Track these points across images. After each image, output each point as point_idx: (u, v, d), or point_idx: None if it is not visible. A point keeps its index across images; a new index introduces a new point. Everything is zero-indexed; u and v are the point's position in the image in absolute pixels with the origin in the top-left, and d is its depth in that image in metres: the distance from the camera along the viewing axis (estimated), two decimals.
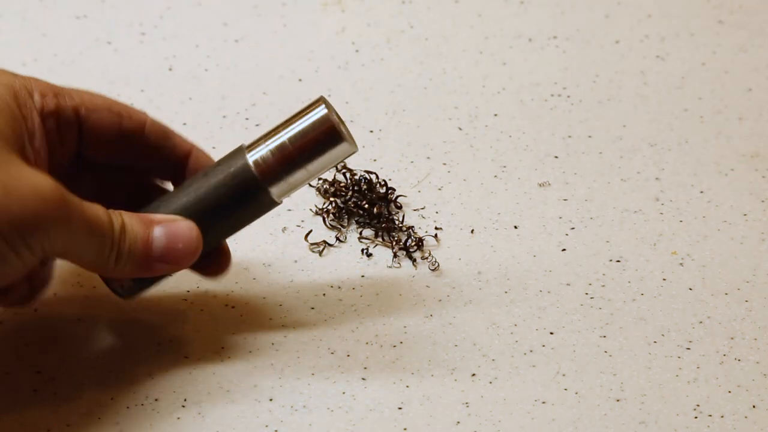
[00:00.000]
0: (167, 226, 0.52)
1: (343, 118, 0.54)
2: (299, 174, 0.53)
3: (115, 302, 0.58)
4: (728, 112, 0.72)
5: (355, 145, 0.53)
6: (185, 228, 0.52)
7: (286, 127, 0.53)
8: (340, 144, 0.52)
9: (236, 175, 0.53)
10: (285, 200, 0.64)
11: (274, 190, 0.53)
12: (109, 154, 0.54)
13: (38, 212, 0.46)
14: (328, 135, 0.52)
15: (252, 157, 0.53)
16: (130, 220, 0.51)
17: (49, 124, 0.51)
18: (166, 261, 0.52)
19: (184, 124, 0.70)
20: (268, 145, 0.53)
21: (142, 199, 0.55)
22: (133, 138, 0.54)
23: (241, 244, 0.62)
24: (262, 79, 0.74)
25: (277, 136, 0.53)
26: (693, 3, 0.81)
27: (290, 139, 0.52)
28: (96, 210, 0.49)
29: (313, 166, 0.53)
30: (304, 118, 0.53)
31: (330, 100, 0.72)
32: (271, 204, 0.54)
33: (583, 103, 0.73)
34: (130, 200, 0.55)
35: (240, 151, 0.53)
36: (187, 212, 0.53)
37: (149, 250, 0.51)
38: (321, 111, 0.52)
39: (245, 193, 0.53)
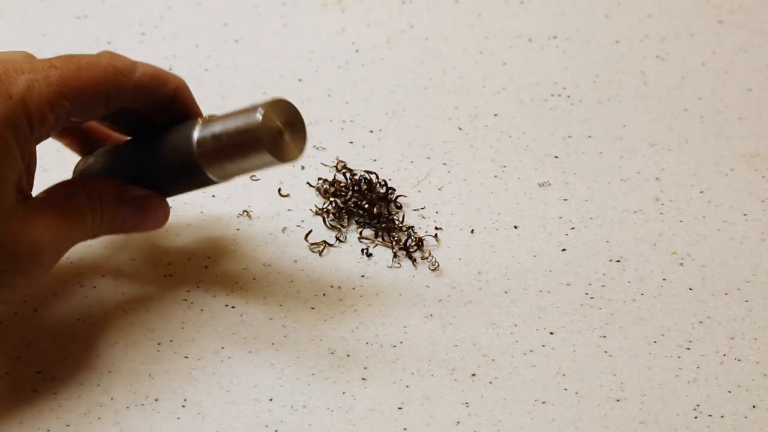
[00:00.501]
0: (140, 207, 0.56)
1: (301, 121, 0.54)
2: (232, 166, 0.55)
3: (115, 302, 0.58)
4: (728, 112, 0.72)
5: (290, 156, 0.54)
6: (156, 207, 0.57)
7: (231, 118, 0.54)
8: (264, 154, 0.53)
9: (180, 149, 0.55)
10: (285, 200, 0.65)
11: (211, 172, 0.55)
12: (97, 118, 0.56)
13: (36, 270, 0.51)
14: (255, 142, 0.53)
15: (197, 134, 0.55)
16: (109, 206, 0.54)
17: (42, 140, 0.52)
18: (134, 231, 0.58)
19: None
20: (212, 128, 0.54)
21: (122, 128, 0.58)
22: (122, 102, 0.55)
23: (240, 243, 0.62)
24: (262, 79, 0.74)
25: (220, 124, 0.54)
26: (693, 3, 0.81)
27: (226, 134, 0.54)
28: (80, 210, 0.53)
29: (245, 164, 0.54)
30: (242, 118, 0.54)
31: (330, 100, 0.72)
32: (209, 182, 0.56)
33: (583, 103, 0.73)
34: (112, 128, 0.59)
35: (193, 125, 0.55)
36: (141, 173, 0.56)
37: (122, 229, 0.56)
38: (254, 117, 0.53)
39: (185, 167, 0.55)
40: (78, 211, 0.53)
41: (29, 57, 0.53)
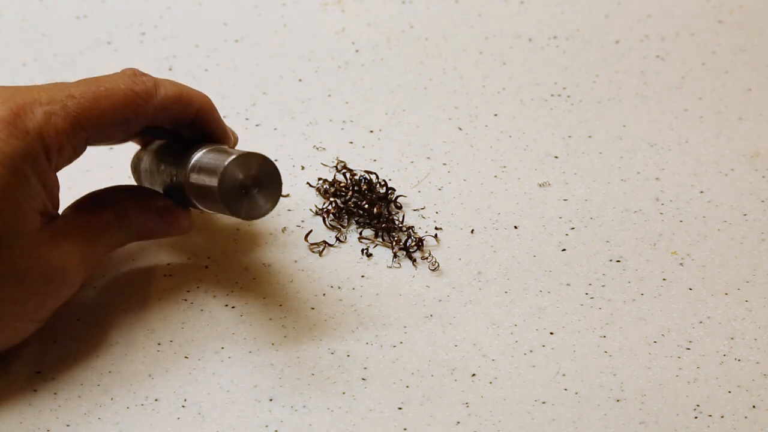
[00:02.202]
0: (164, 217, 0.57)
1: (276, 177, 0.53)
2: (204, 204, 0.55)
3: (115, 302, 0.58)
4: (728, 112, 0.72)
5: (253, 213, 0.53)
6: (179, 216, 0.57)
7: (210, 158, 0.54)
8: (220, 205, 0.53)
9: (179, 185, 0.55)
10: (285, 200, 0.65)
11: (202, 206, 0.55)
12: (118, 141, 0.56)
13: (65, 289, 0.52)
14: (214, 192, 0.53)
15: (194, 160, 0.54)
16: (135, 217, 0.55)
17: (62, 166, 0.53)
18: (160, 238, 0.58)
19: None
20: (201, 161, 0.54)
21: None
22: (142, 125, 0.55)
23: (240, 243, 0.62)
24: (262, 79, 0.74)
25: (204, 160, 0.54)
26: (693, 3, 0.81)
27: (204, 170, 0.54)
28: (107, 224, 0.54)
29: (212, 206, 0.54)
30: (214, 162, 0.53)
31: (330, 100, 0.72)
32: (196, 207, 0.56)
33: (583, 103, 0.73)
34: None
35: (200, 150, 0.55)
36: (166, 182, 0.57)
37: (147, 237, 0.57)
38: (218, 167, 0.52)
39: (182, 189, 0.55)
40: (104, 225, 0.54)
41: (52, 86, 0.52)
